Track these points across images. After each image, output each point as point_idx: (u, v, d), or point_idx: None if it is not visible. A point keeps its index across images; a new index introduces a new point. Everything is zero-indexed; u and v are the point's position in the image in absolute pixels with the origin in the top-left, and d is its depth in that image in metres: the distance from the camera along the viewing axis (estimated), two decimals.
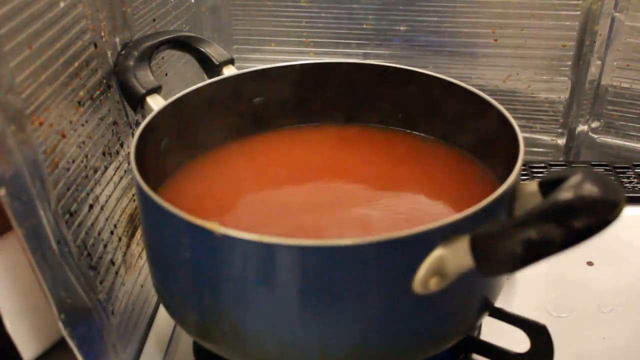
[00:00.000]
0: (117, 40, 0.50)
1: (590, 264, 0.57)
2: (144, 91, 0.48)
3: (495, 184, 0.44)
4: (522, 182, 0.38)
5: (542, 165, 0.70)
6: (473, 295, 0.38)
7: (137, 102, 0.48)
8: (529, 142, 0.74)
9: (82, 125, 0.43)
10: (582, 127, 0.73)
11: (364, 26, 0.71)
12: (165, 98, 0.48)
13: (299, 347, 0.36)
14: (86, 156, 0.43)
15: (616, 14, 0.66)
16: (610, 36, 0.67)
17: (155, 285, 0.42)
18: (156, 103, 0.47)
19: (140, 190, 0.37)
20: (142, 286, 0.50)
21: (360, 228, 0.44)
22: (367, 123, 0.54)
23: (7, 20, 0.34)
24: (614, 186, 0.31)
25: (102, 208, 0.45)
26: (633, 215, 0.61)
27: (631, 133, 0.72)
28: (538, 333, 0.42)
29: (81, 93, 0.43)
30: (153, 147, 0.45)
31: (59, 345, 0.49)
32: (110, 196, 0.46)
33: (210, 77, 0.53)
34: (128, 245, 0.49)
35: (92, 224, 0.43)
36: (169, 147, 0.47)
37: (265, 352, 0.37)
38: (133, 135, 0.51)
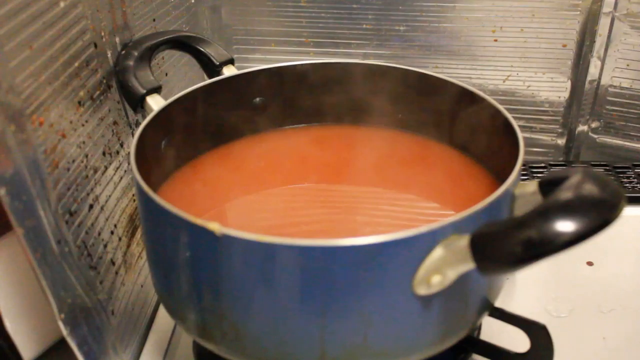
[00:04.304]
0: (117, 40, 0.50)
1: (590, 264, 0.57)
2: (144, 91, 0.48)
3: (495, 184, 0.44)
4: (522, 182, 0.38)
5: (542, 165, 0.70)
6: (473, 295, 0.38)
7: (137, 102, 0.48)
8: (529, 142, 0.74)
9: (82, 125, 0.43)
10: (582, 127, 0.73)
11: (364, 26, 0.71)
12: (165, 98, 0.48)
13: (299, 347, 0.36)
14: (86, 156, 0.43)
15: (616, 14, 0.66)
16: (610, 36, 0.67)
17: (155, 285, 0.42)
18: (156, 103, 0.47)
19: (140, 190, 0.37)
20: (142, 286, 0.50)
21: (360, 228, 0.44)
22: (367, 123, 0.54)
23: (7, 20, 0.34)
24: (614, 186, 0.31)
25: (102, 208, 0.45)
26: (633, 215, 0.61)
27: (631, 133, 0.72)
28: (538, 333, 0.42)
29: (81, 93, 0.43)
30: (153, 147, 0.45)
31: (59, 345, 0.49)
32: (110, 196, 0.46)
33: (210, 77, 0.53)
34: (128, 245, 0.49)
35: (92, 224, 0.43)
36: (169, 147, 0.47)
37: (265, 352, 0.37)
38: (133, 135, 0.51)
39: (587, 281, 0.55)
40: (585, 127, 0.73)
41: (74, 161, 0.41)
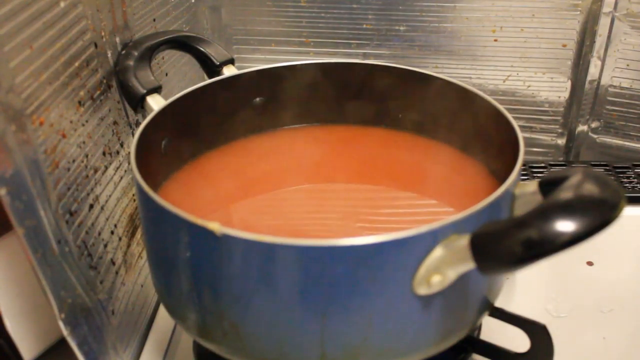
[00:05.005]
0: (117, 40, 0.50)
1: (590, 264, 0.57)
2: (144, 91, 0.48)
3: (495, 184, 0.44)
4: (522, 182, 0.38)
5: (542, 165, 0.70)
6: (473, 295, 0.38)
7: (137, 102, 0.48)
8: (529, 142, 0.74)
9: (83, 125, 0.43)
10: (582, 127, 0.73)
11: (364, 26, 0.71)
12: (165, 98, 0.48)
13: (299, 347, 0.36)
14: (86, 156, 0.43)
15: (616, 14, 0.66)
16: (610, 36, 0.67)
17: (156, 285, 0.42)
18: (156, 103, 0.47)
19: (141, 190, 0.37)
20: (142, 286, 0.51)
21: (360, 228, 0.44)
22: (367, 123, 0.54)
23: (8, 20, 0.34)
24: (614, 186, 0.31)
25: (102, 208, 0.45)
26: (633, 215, 0.61)
27: (631, 133, 0.72)
28: (538, 333, 0.42)
29: (81, 93, 0.43)
30: (153, 147, 0.45)
31: (59, 345, 0.49)
32: (110, 196, 0.46)
33: (210, 77, 0.53)
34: (128, 245, 0.49)
35: (93, 224, 0.43)
36: (169, 147, 0.47)
37: (265, 352, 0.37)
38: (133, 135, 0.51)
39: (587, 281, 0.55)
40: (585, 127, 0.73)
41: (74, 161, 0.41)
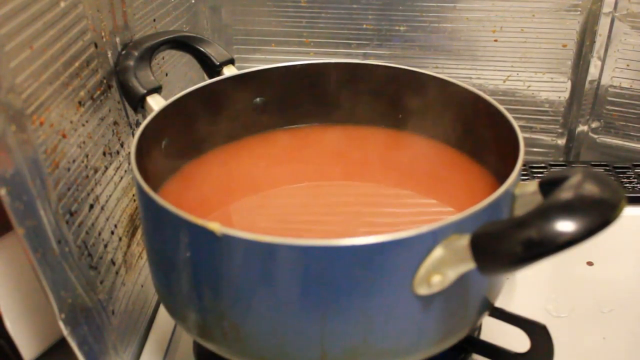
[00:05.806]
0: (118, 40, 0.50)
1: (590, 264, 0.57)
2: (144, 91, 0.48)
3: (495, 184, 0.44)
4: (522, 182, 0.38)
5: (542, 165, 0.70)
6: (473, 295, 0.38)
7: (137, 102, 0.48)
8: (529, 142, 0.74)
9: (83, 125, 0.43)
10: (582, 127, 0.73)
11: (364, 26, 0.71)
12: (165, 98, 0.48)
13: (299, 347, 0.36)
14: (87, 156, 0.43)
15: (616, 14, 0.66)
16: (610, 36, 0.67)
17: (156, 285, 0.42)
18: (157, 103, 0.47)
19: (141, 190, 0.37)
20: (142, 286, 0.51)
21: (360, 228, 0.44)
22: (366, 123, 0.54)
23: (8, 20, 0.35)
24: (614, 186, 0.31)
25: (102, 208, 0.45)
26: (633, 215, 0.61)
27: (631, 133, 0.72)
28: (538, 333, 0.42)
29: (82, 93, 0.43)
30: (153, 147, 0.45)
31: (59, 345, 0.49)
32: (110, 196, 0.46)
33: (210, 77, 0.53)
34: (128, 245, 0.49)
35: (93, 224, 0.43)
36: (169, 147, 0.47)
37: (265, 352, 0.37)
38: (133, 135, 0.51)
39: (587, 281, 0.55)
40: (585, 127, 0.73)
41: (74, 161, 0.41)
